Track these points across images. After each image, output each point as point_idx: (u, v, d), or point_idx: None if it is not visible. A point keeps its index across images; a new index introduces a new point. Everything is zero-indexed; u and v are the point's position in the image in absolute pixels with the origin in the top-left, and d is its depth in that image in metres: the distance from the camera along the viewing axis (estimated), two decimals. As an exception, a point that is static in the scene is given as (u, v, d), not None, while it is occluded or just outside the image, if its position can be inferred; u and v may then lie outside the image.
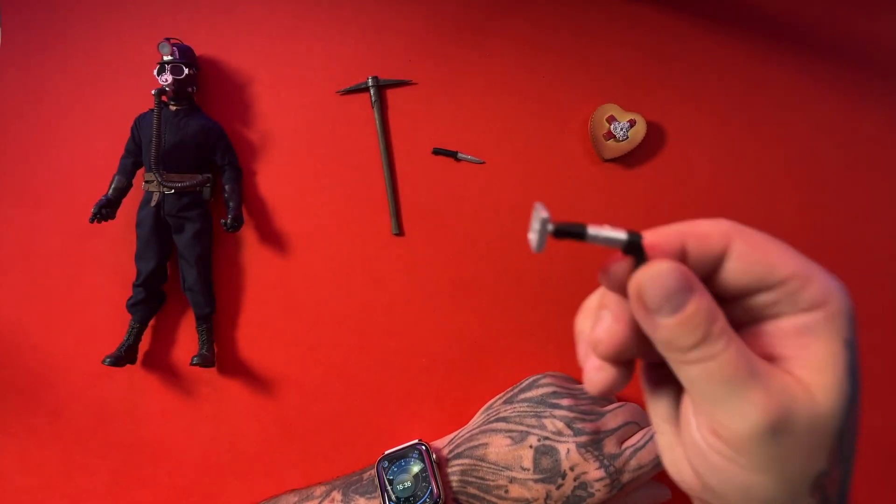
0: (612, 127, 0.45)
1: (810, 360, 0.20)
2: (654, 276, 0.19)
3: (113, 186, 0.44)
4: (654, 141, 0.47)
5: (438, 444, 0.42)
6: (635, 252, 0.20)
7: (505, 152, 0.47)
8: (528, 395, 0.41)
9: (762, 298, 0.20)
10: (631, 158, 0.46)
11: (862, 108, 0.47)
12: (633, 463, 0.37)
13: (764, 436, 0.19)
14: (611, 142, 0.45)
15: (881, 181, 0.46)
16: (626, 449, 0.37)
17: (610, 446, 0.37)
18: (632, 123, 0.45)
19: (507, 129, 0.47)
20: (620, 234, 0.20)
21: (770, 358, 0.20)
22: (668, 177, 0.47)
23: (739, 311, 0.21)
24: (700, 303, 0.19)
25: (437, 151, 0.46)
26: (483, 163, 0.46)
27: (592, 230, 0.20)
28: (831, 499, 0.21)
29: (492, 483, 0.38)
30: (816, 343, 0.20)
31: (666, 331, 0.20)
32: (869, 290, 0.46)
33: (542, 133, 0.47)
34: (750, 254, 0.20)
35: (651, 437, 0.38)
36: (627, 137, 0.45)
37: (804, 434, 0.19)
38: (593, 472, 0.36)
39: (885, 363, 0.45)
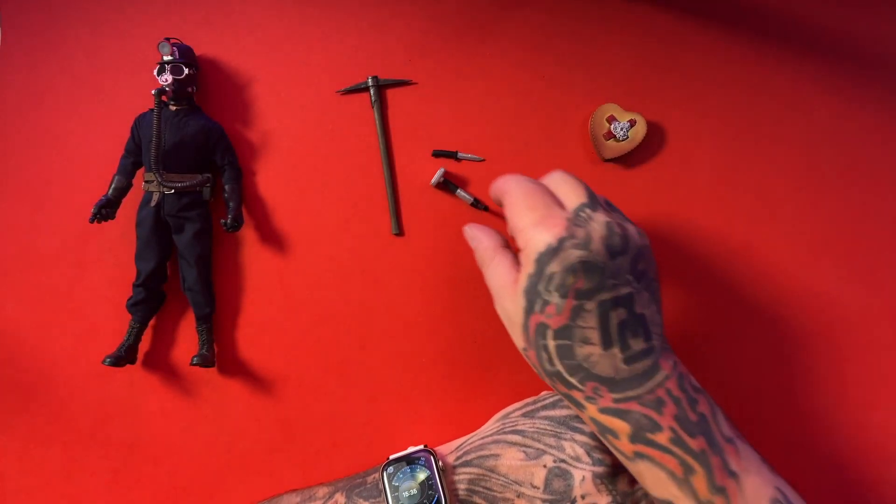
0: (612, 127, 0.45)
1: (518, 276, 0.34)
2: (466, 232, 0.40)
3: (113, 186, 0.44)
4: (654, 141, 0.47)
5: (444, 449, 0.41)
6: (478, 207, 0.46)
7: (505, 152, 0.47)
8: (551, 413, 0.40)
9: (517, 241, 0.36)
10: (631, 158, 0.46)
11: (862, 108, 0.47)
12: None
13: (496, 297, 0.36)
14: (611, 142, 0.45)
15: (881, 181, 0.46)
16: (638, 489, 0.37)
17: (623, 483, 0.37)
18: (632, 123, 0.45)
19: (507, 129, 0.47)
20: (469, 198, 0.46)
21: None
22: (668, 177, 0.47)
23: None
24: (479, 240, 0.38)
25: (437, 154, 0.46)
26: (483, 160, 0.46)
27: (460, 192, 0.46)
28: (536, 366, 0.35)
29: (499, 495, 0.38)
30: (521, 266, 0.34)
31: (475, 254, 0.39)
32: (869, 290, 0.46)
33: (542, 133, 0.47)
34: (506, 209, 0.36)
35: None
36: (627, 137, 0.45)
37: (510, 315, 0.35)
38: None
39: (886, 363, 0.45)
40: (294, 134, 0.47)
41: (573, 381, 0.33)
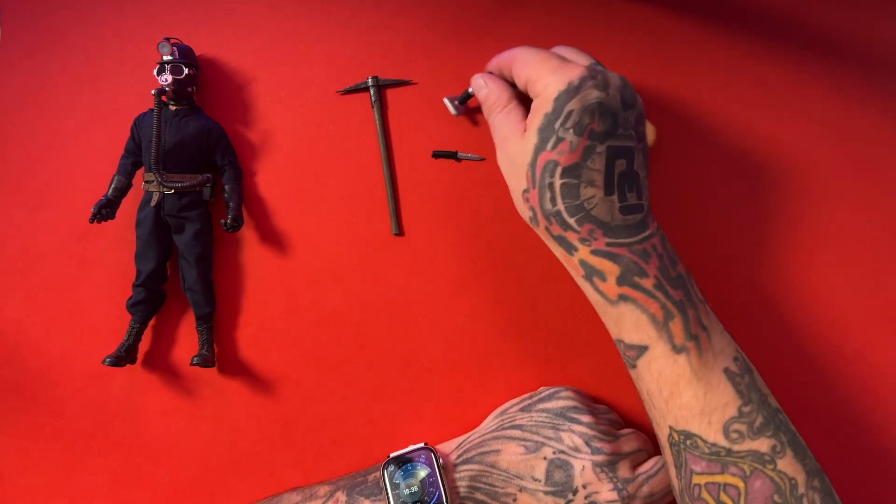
0: (612, 127, 0.45)
1: (528, 121, 0.36)
2: (474, 81, 0.41)
3: (113, 186, 0.44)
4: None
5: (445, 447, 0.41)
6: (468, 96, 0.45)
7: (505, 152, 0.47)
8: (548, 405, 0.40)
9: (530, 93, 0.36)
10: (631, 158, 0.46)
11: (862, 108, 0.47)
12: (646, 490, 0.37)
13: (499, 155, 0.38)
14: (611, 142, 0.45)
15: (881, 181, 0.46)
16: (639, 475, 0.37)
17: (624, 470, 0.37)
18: (632, 123, 0.45)
19: (507, 129, 0.47)
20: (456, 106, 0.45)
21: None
22: (668, 177, 0.47)
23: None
24: (489, 88, 0.39)
25: (437, 154, 0.46)
26: (483, 159, 0.46)
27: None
28: (535, 208, 0.36)
29: (500, 490, 0.38)
30: (532, 112, 0.35)
31: (482, 103, 0.40)
32: (869, 290, 0.46)
33: (542, 133, 0.47)
34: (516, 70, 0.37)
35: (662, 466, 0.38)
36: (627, 137, 0.45)
37: (515, 158, 0.36)
38: (606, 492, 0.36)
39: (886, 363, 0.45)
40: (294, 134, 0.47)
41: (571, 221, 0.34)
